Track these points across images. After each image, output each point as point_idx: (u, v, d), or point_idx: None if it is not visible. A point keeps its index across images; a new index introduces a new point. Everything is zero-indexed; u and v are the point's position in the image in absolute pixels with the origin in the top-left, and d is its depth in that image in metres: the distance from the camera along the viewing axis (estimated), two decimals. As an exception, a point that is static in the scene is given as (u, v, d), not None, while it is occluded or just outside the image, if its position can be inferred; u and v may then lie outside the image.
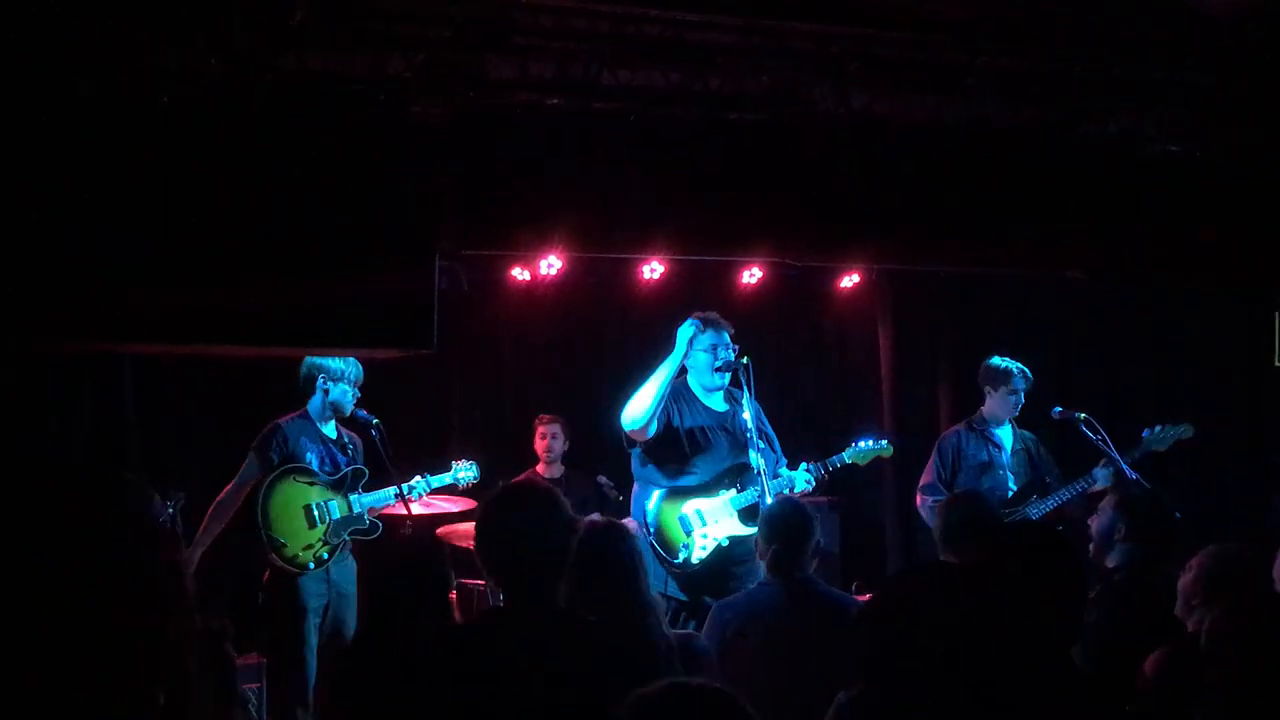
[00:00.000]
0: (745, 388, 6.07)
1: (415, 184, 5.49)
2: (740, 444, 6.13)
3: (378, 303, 5.58)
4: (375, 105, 5.37)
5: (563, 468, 7.41)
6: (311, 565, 5.75)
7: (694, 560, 5.95)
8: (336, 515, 5.86)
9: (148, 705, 1.72)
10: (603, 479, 7.11)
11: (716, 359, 6.13)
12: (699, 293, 7.26)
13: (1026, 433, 6.82)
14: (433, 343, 5.70)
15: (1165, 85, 5.51)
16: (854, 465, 6.44)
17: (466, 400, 7.99)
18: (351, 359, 5.98)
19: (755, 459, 6.03)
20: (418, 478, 6.23)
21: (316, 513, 5.83)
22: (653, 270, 7.54)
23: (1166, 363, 7.55)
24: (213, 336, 5.64)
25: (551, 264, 7.15)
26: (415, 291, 5.58)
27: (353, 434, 6.18)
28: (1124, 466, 6.15)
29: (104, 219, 5.05)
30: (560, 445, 7.38)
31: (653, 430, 5.94)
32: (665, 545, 5.89)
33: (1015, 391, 6.64)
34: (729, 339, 6.17)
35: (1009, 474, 6.70)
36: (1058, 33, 5.14)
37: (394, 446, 5.98)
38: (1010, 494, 6.60)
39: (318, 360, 5.95)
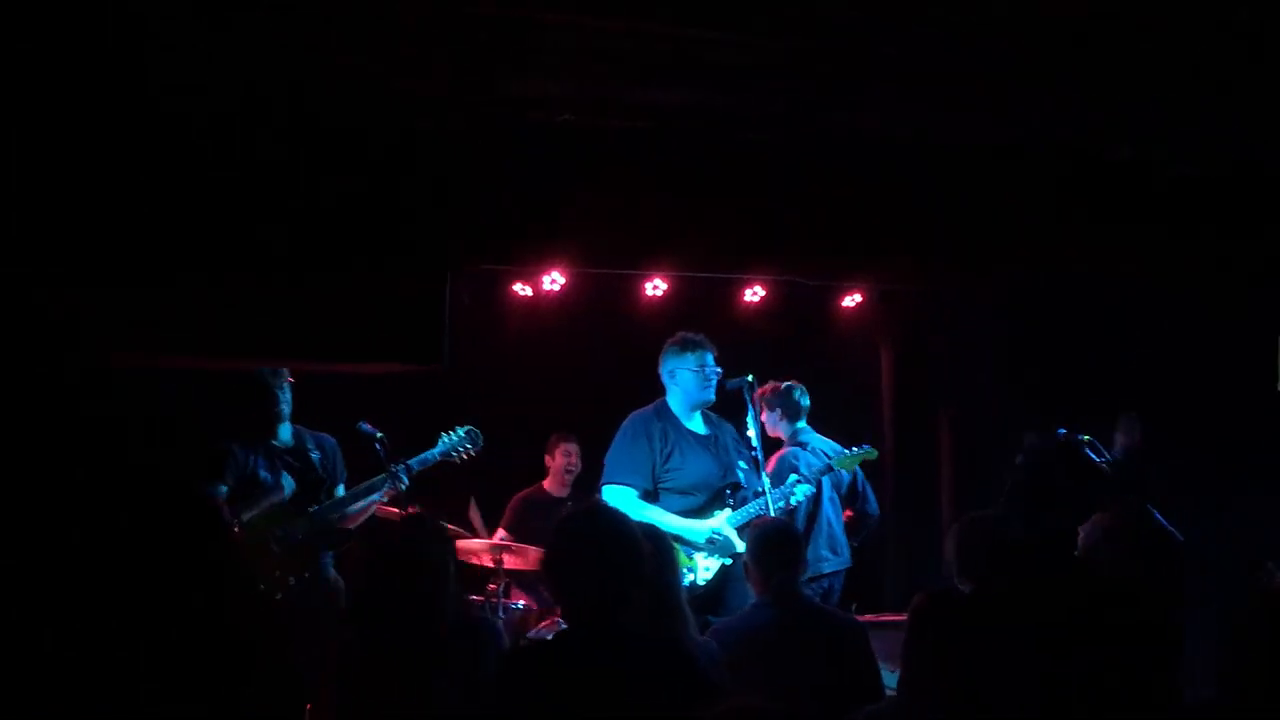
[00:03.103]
0: (749, 406, 6.18)
1: (428, 197, 5.42)
2: (727, 463, 6.19)
3: (386, 316, 5.48)
4: (389, 117, 5.30)
5: (569, 488, 7.36)
6: (279, 595, 5.59)
7: (700, 582, 5.98)
8: (298, 537, 5.72)
9: None
10: (604, 499, 7.06)
11: (707, 379, 6.20)
12: (701, 310, 7.24)
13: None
14: (442, 358, 5.60)
15: (1188, 110, 5.51)
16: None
17: (465, 416, 7.90)
18: None
19: (742, 475, 6.11)
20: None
21: (280, 534, 5.69)
22: (655, 287, 7.52)
23: (1179, 384, 7.54)
24: (213, 350, 5.51)
25: (555, 280, 7.12)
26: (425, 306, 5.48)
27: (320, 438, 6.04)
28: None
29: (97, 226, 4.91)
30: (579, 466, 7.33)
31: None
32: (669, 570, 5.90)
33: None
34: (712, 360, 6.23)
35: None
36: (1078, 55, 5.12)
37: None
38: None
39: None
